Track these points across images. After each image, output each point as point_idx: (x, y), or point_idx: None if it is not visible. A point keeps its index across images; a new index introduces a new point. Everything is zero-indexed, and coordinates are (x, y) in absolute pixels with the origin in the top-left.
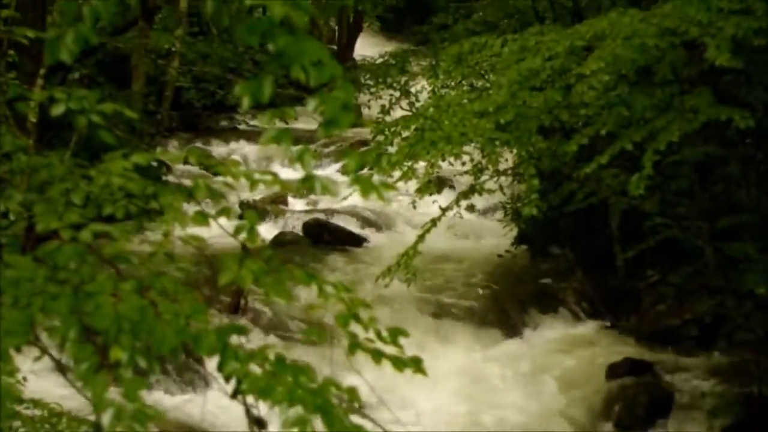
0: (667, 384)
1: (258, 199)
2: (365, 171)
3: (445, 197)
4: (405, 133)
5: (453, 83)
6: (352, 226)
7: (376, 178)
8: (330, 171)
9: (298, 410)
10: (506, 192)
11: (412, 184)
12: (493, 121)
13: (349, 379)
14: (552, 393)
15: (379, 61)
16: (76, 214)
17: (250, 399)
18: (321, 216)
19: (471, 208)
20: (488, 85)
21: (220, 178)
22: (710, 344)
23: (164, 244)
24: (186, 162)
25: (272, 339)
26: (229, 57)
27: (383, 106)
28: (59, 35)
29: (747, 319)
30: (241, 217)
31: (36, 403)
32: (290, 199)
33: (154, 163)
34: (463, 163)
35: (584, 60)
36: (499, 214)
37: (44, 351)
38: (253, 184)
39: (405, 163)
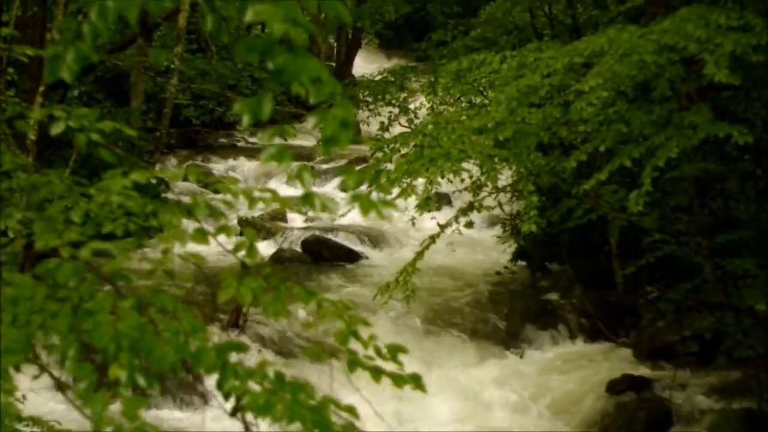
0: (667, 400)
1: (257, 215)
2: (364, 188)
3: (444, 214)
4: (404, 150)
5: (452, 100)
6: (351, 243)
7: (375, 195)
8: (329, 187)
9: (297, 427)
10: (505, 209)
11: (412, 201)
12: (492, 137)
13: (347, 396)
14: (551, 410)
15: (378, 77)
16: (75, 232)
17: (249, 417)
18: (320, 233)
19: (470, 225)
20: (487, 101)
21: (219, 196)
22: (710, 361)
23: (163, 261)
24: (185, 179)
25: (271, 356)
26: (228, 74)
27: (382, 122)
28: (59, 53)
29: (746, 336)
30: (240, 234)
31: (35, 420)
32: (289, 216)
33: (153, 181)
34: (462, 180)
35: (583, 77)
36: (499, 231)
37: (44, 369)
38: (252, 201)
39: (404, 180)
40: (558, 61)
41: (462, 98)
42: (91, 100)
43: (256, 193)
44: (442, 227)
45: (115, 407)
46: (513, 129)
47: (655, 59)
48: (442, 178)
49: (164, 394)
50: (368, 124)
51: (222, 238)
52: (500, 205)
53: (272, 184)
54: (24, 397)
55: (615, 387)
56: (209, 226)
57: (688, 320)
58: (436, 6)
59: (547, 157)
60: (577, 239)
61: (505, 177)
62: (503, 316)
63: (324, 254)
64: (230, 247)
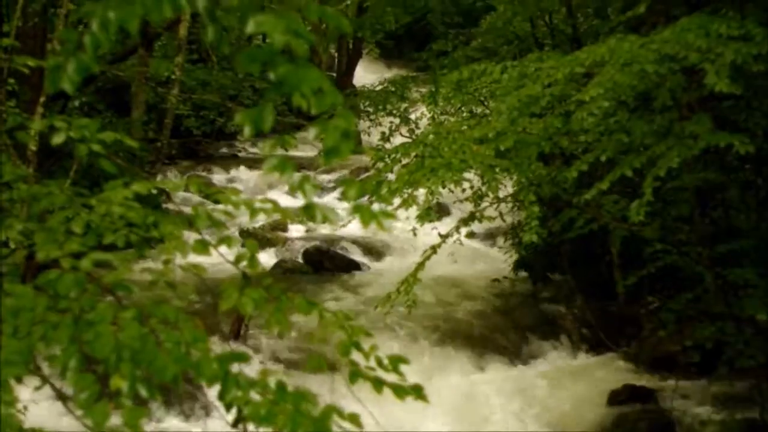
0: (668, 411)
1: (258, 226)
2: (365, 199)
3: (445, 224)
4: (405, 160)
5: (453, 110)
6: (353, 253)
7: (376, 206)
8: (330, 198)
9: None
10: (506, 219)
11: (413, 211)
12: (493, 147)
13: (348, 407)
14: (552, 420)
15: (379, 87)
16: (76, 243)
17: (251, 428)
18: (321, 243)
19: (471, 235)
20: (488, 111)
21: (220, 207)
22: (711, 371)
23: (165, 272)
24: (186, 190)
25: (273, 366)
26: (229, 84)
27: (383, 132)
28: (60, 64)
29: (747, 345)
30: (241, 245)
31: None
32: (290, 226)
33: (155, 191)
34: (463, 190)
35: (584, 86)
36: (500, 241)
37: (45, 380)
38: (253, 212)
39: (405, 191)
40: (559, 71)
41: (463, 108)
42: (92, 111)
43: (258, 204)
44: (444, 237)
45: (116, 418)
46: (514, 139)
47: (655, 69)
48: (443, 188)
49: (166, 405)
50: (369, 134)
51: (223, 248)
52: (501, 215)
53: (273, 195)
54: (25, 408)
55: (616, 397)
56: (211, 237)
57: (689, 330)
58: (436, 16)
59: (548, 167)
60: (579, 249)
61: (506, 187)
62: (504, 327)
63: (325, 265)
64: (231, 257)
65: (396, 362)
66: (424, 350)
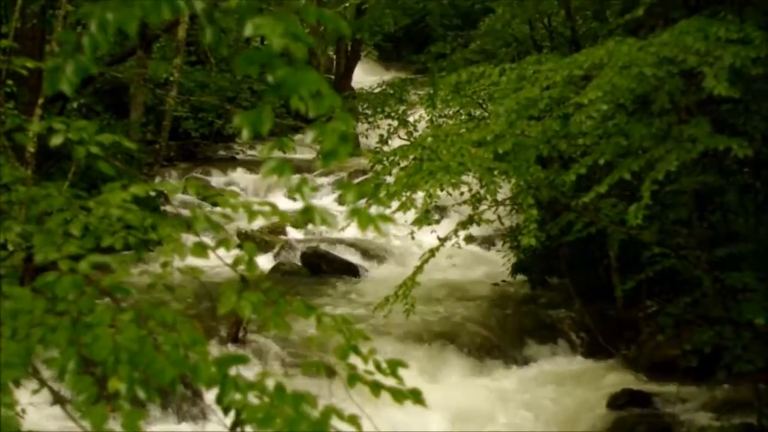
0: (667, 415)
1: (256, 228)
2: (363, 202)
3: (443, 227)
4: (403, 163)
5: (451, 112)
6: (351, 256)
7: (374, 209)
8: (328, 200)
9: None
10: (505, 222)
11: (411, 215)
12: (492, 150)
13: (346, 410)
14: (550, 424)
15: (377, 90)
16: (74, 245)
17: (249, 431)
18: (319, 246)
19: (470, 238)
20: (486, 114)
21: (218, 209)
22: (710, 375)
23: (163, 275)
24: (184, 192)
25: (271, 370)
26: (228, 86)
27: (381, 135)
28: (59, 66)
29: (746, 350)
30: (239, 247)
31: None
32: (288, 229)
33: (153, 194)
34: (462, 193)
35: (582, 89)
36: (498, 245)
37: (43, 383)
38: (251, 215)
39: (403, 194)
40: (557, 74)
41: (461, 111)
42: (90, 113)
43: (256, 207)
44: (442, 240)
45: (114, 421)
46: (512, 142)
47: (654, 72)
48: (442, 191)
49: (164, 409)
50: (367, 137)
51: (222, 251)
52: (500, 218)
53: (272, 197)
54: (23, 411)
55: (615, 401)
56: (209, 240)
57: (687, 334)
58: (435, 18)
59: (546, 170)
60: (577, 253)
61: (505, 190)
62: (502, 330)
63: (323, 267)
64: (230, 260)
65: (394, 366)
66: (422, 354)
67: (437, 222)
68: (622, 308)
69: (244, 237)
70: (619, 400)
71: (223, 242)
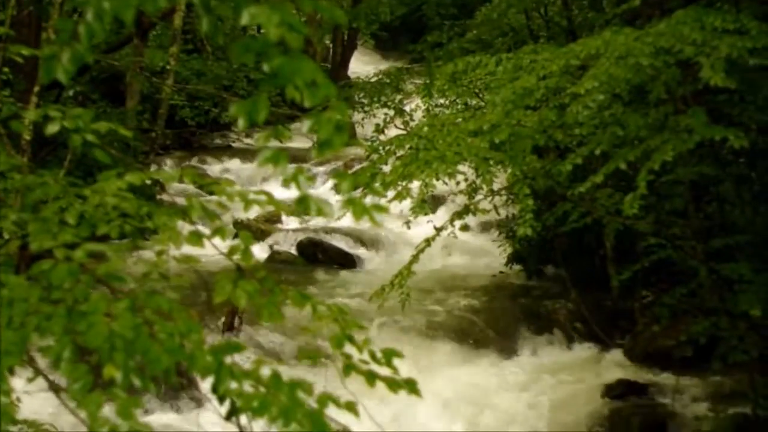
0: (662, 405)
1: (252, 217)
2: (359, 191)
3: (439, 217)
4: (399, 153)
5: (447, 102)
6: (347, 245)
7: (369, 199)
8: (323, 189)
9: (293, 428)
10: (501, 212)
11: (407, 204)
12: (488, 140)
13: (342, 399)
14: (545, 415)
15: (374, 79)
16: (70, 234)
17: (244, 420)
18: (315, 235)
19: (465, 228)
20: (482, 104)
21: (214, 198)
22: (705, 365)
23: (159, 263)
24: (180, 181)
25: (267, 359)
26: (224, 75)
27: (377, 124)
28: (55, 54)
29: (741, 340)
30: (235, 236)
31: (30, 423)
32: (284, 218)
33: (149, 182)
34: (458, 183)
35: (578, 79)
36: (494, 235)
37: (38, 371)
38: (247, 204)
39: (399, 183)
40: (554, 64)
41: (457, 100)
42: (87, 101)
43: (252, 196)
44: (438, 230)
45: (109, 408)
46: (508, 131)
47: (650, 62)
48: (437, 180)
49: (159, 398)
50: (363, 126)
51: (217, 240)
52: (495, 208)
53: (268, 186)
54: (18, 399)
55: (610, 392)
56: (205, 228)
57: (683, 325)
58: (431, 7)
59: (542, 160)
60: (573, 243)
61: (501, 180)
62: (498, 320)
63: (319, 257)
64: (225, 249)
65: (389, 356)
66: (418, 343)
67: (433, 212)
68: (617, 298)
69: (240, 226)
70: (614, 390)
71: (218, 231)
